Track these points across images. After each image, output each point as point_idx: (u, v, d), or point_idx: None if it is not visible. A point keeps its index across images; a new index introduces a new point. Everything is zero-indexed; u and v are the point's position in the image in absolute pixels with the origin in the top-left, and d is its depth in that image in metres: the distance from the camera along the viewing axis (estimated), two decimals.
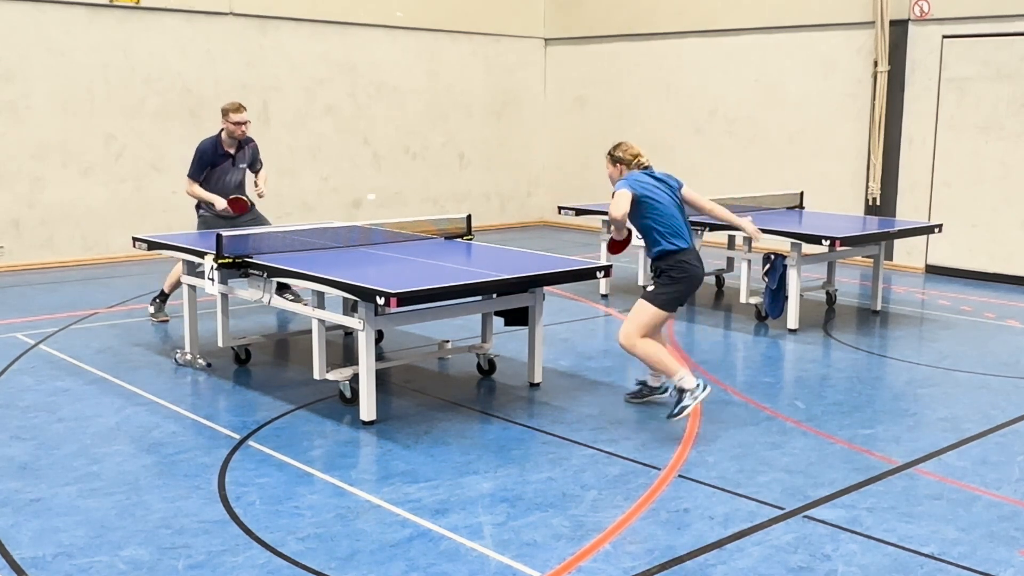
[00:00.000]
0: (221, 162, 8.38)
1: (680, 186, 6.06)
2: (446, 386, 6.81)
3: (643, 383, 6.34)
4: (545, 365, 6.92)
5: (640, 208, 5.79)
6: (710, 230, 8.83)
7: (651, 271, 5.95)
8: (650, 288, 5.86)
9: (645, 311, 5.78)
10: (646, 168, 5.99)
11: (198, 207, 8.53)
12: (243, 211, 8.44)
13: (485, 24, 15.05)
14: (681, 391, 5.65)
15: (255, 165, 8.74)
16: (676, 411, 5.64)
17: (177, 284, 8.15)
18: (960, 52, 11.22)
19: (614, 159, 6.00)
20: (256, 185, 8.64)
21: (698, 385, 5.62)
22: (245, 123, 8.34)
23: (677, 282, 5.79)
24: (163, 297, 8.68)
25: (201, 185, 8.35)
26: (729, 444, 5.58)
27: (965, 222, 11.27)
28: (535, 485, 4.95)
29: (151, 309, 8.71)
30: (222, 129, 8.37)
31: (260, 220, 8.73)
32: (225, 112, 8.34)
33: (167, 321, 8.64)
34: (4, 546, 4.24)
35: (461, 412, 6.15)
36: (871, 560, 4.17)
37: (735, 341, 8.28)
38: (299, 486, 4.93)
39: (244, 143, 8.53)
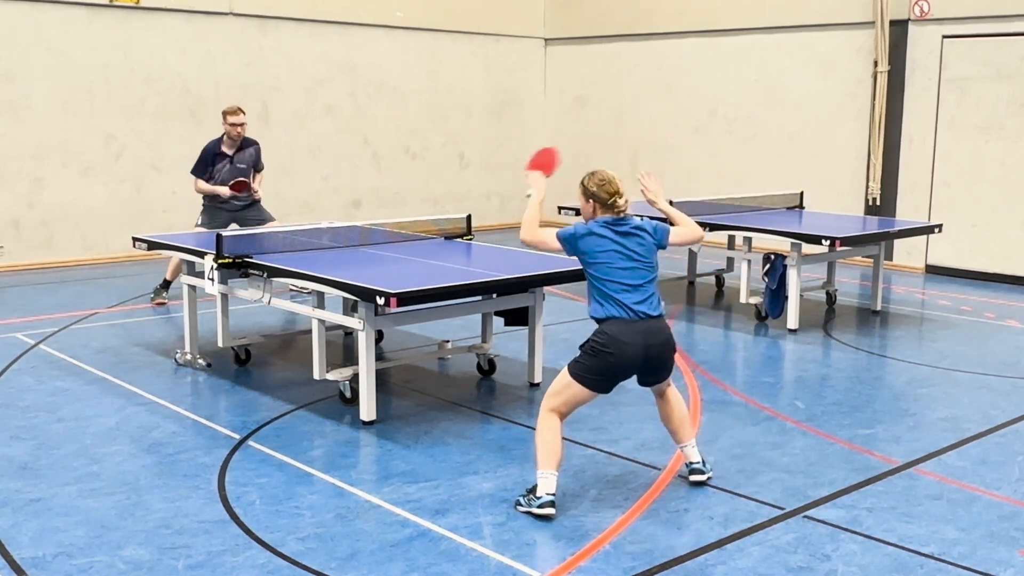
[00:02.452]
0: (219, 161, 8.88)
1: (661, 240, 4.89)
2: (446, 386, 6.80)
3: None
4: (545, 365, 6.91)
5: (581, 260, 4.74)
6: (710, 230, 8.83)
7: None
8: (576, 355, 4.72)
9: (561, 377, 4.69)
10: (620, 217, 4.77)
11: (204, 199, 9.05)
12: (243, 188, 8.86)
13: (485, 24, 15.05)
14: (531, 491, 4.62)
15: (257, 166, 9.15)
16: (516, 500, 4.68)
17: (179, 269, 8.45)
18: (960, 52, 11.22)
19: (587, 193, 4.83)
20: (253, 188, 9.07)
21: (544, 499, 4.50)
22: (241, 125, 8.87)
23: (597, 356, 4.58)
24: (165, 285, 9.19)
25: (211, 180, 8.93)
26: (729, 444, 5.58)
27: (965, 222, 11.27)
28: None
29: (152, 294, 9.28)
30: (225, 132, 8.92)
31: (264, 216, 9.14)
32: (224, 114, 8.90)
33: (164, 304, 9.09)
34: (4, 546, 4.24)
35: (461, 412, 6.15)
36: (871, 560, 4.17)
37: (735, 341, 8.28)
38: (299, 486, 4.93)
39: (245, 145, 8.98)
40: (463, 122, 15.03)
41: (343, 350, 7.66)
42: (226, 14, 12.36)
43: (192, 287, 7.22)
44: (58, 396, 6.41)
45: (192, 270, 7.19)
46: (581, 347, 4.66)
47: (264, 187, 9.36)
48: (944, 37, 11.34)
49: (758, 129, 13.23)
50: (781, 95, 13.01)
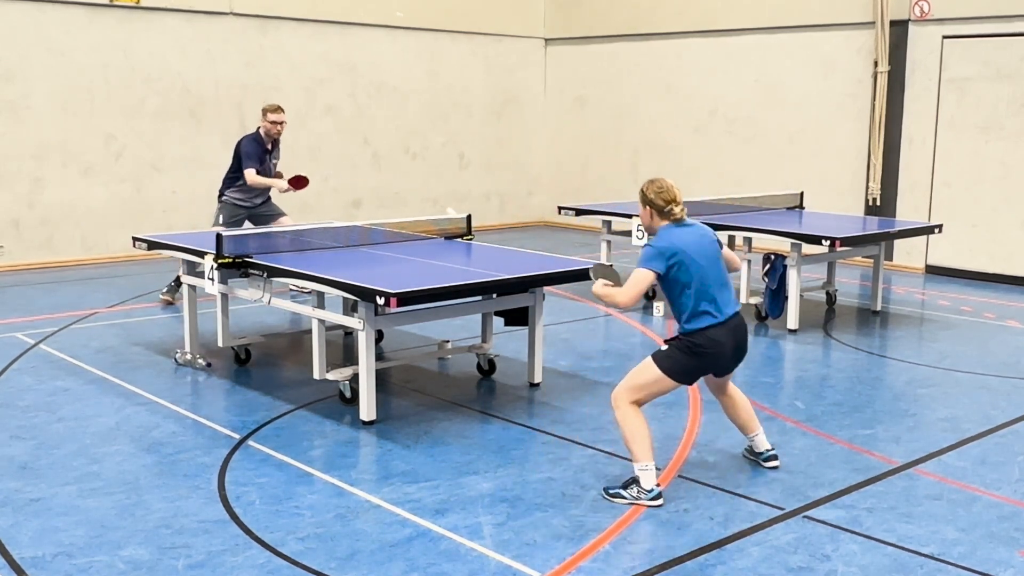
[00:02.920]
0: (265, 156, 8.93)
1: (720, 245, 5.01)
2: (446, 386, 6.81)
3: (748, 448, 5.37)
4: (545, 365, 6.92)
5: (670, 273, 4.79)
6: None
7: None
8: (662, 347, 4.90)
9: (647, 370, 4.85)
10: (679, 220, 4.87)
11: (221, 195, 9.07)
12: (303, 184, 8.89)
13: (485, 24, 15.05)
14: (634, 481, 4.77)
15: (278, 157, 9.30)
16: (612, 492, 4.79)
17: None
18: (960, 52, 11.22)
19: (644, 200, 4.88)
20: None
21: (652, 491, 4.71)
22: (282, 123, 8.90)
23: (695, 355, 4.81)
24: (178, 282, 9.06)
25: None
26: (729, 444, 5.58)
27: (965, 222, 11.27)
28: (535, 485, 4.95)
29: (164, 290, 9.32)
30: (259, 127, 8.93)
31: (276, 211, 9.26)
32: (264, 111, 8.91)
33: (171, 304, 9.13)
34: (4, 546, 4.24)
35: (461, 412, 6.15)
36: (871, 560, 4.17)
37: None
38: (299, 486, 4.93)
39: (276, 140, 9.07)
40: (463, 122, 15.03)
41: (343, 350, 7.66)
42: (226, 14, 12.36)
43: (192, 287, 7.22)
44: (58, 396, 6.41)
45: (192, 270, 7.19)
46: (672, 344, 4.84)
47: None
48: (944, 37, 11.33)
49: (758, 129, 13.23)
50: (781, 95, 13.01)
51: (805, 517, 4.61)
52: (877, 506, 4.74)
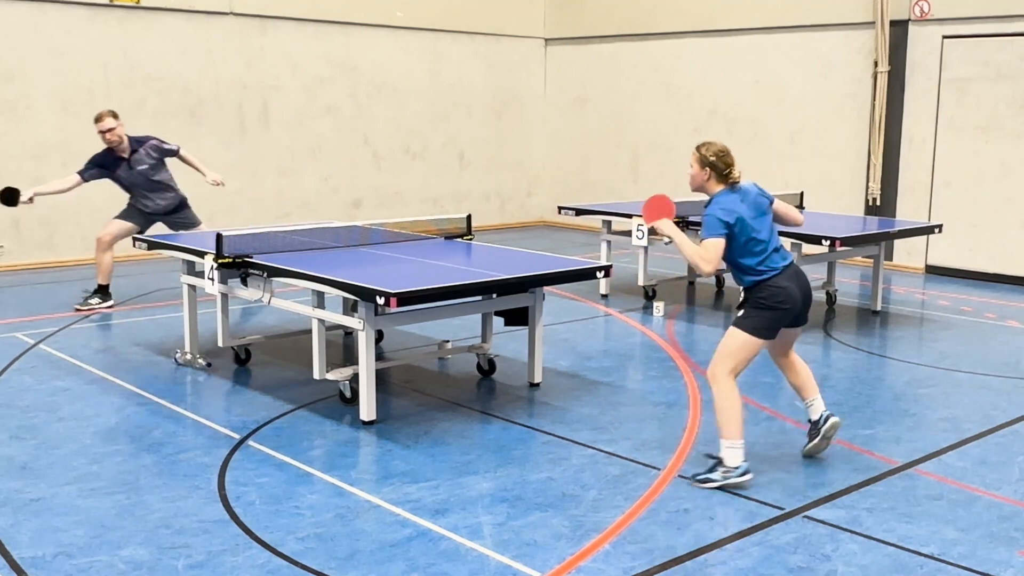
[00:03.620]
0: (117, 167, 8.98)
1: (770, 200, 5.20)
2: (446, 386, 6.80)
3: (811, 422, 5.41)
4: (545, 365, 6.92)
5: (729, 244, 4.95)
6: None
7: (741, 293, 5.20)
8: (739, 313, 5.06)
9: (734, 338, 4.97)
10: (736, 183, 5.05)
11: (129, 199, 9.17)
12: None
13: (485, 24, 15.05)
14: (719, 462, 4.94)
15: (166, 157, 9.22)
16: (701, 478, 4.96)
17: (110, 270, 9.03)
18: (960, 52, 11.22)
19: (704, 161, 5.01)
20: (205, 175, 9.23)
21: (739, 468, 4.88)
22: (109, 130, 8.84)
23: (769, 308, 4.95)
24: (100, 290, 9.15)
25: (120, 185, 9.07)
26: None
27: (965, 222, 11.27)
28: (535, 485, 4.95)
29: (89, 300, 9.11)
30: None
31: (191, 219, 9.32)
32: (94, 121, 8.92)
33: (92, 312, 8.97)
34: (4, 546, 4.24)
35: (461, 412, 6.15)
36: (871, 560, 4.17)
37: None
38: (299, 486, 4.93)
39: (139, 144, 9.07)
40: (463, 122, 15.03)
41: (343, 350, 7.66)
42: (226, 14, 12.36)
43: (192, 287, 7.22)
44: (58, 396, 6.41)
45: (192, 270, 7.19)
46: (746, 306, 4.99)
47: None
48: (944, 37, 11.33)
49: (758, 129, 13.23)
50: (781, 95, 13.01)
51: (805, 517, 4.61)
52: (877, 506, 4.74)
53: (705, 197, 5.13)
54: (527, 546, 4.27)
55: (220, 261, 6.40)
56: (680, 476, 5.08)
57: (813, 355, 7.79)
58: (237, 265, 6.43)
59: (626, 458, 5.35)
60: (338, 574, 4.02)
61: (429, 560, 4.13)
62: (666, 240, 5.33)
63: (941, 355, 7.74)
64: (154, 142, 9.17)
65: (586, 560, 4.15)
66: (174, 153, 9.25)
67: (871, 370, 7.34)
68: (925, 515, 4.64)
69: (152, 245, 7.55)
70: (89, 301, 9.04)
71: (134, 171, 9.03)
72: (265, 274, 6.31)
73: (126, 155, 9.00)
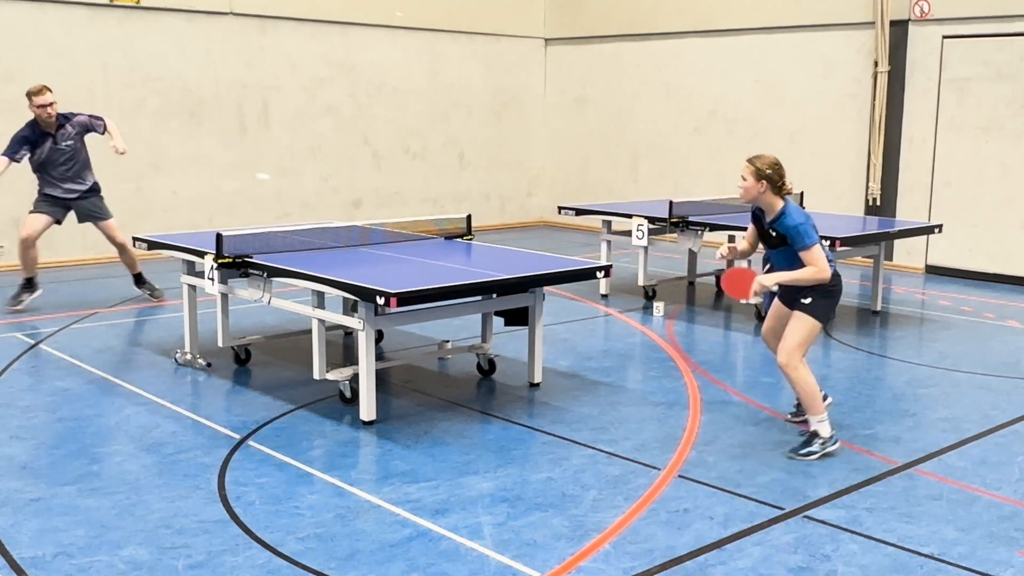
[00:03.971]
0: (43, 142, 8.73)
1: None
2: (446, 386, 6.80)
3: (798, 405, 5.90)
4: (545, 365, 6.92)
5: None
6: (710, 230, 8.84)
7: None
8: (805, 301, 5.38)
9: (804, 324, 5.35)
10: (789, 193, 5.53)
11: (39, 187, 8.98)
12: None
13: (485, 24, 15.05)
14: (814, 435, 5.35)
15: (90, 132, 8.96)
16: (802, 453, 5.31)
17: (33, 261, 8.87)
18: (960, 52, 11.22)
19: (760, 174, 5.34)
20: (115, 148, 8.89)
21: (832, 437, 5.34)
22: (50, 104, 8.59)
23: (831, 295, 5.44)
24: (27, 284, 9.02)
25: (33, 163, 8.80)
26: (729, 444, 5.58)
27: (965, 222, 11.27)
28: (535, 485, 4.95)
29: (14, 299, 8.99)
30: (35, 116, 8.71)
31: (102, 211, 9.12)
32: (29, 95, 8.63)
33: (22, 309, 8.88)
34: (4, 546, 4.24)
35: (461, 412, 6.15)
36: (871, 560, 4.17)
37: (735, 341, 8.28)
38: (299, 486, 4.93)
39: (66, 120, 8.82)
40: (463, 122, 15.03)
41: (343, 350, 7.66)
42: (226, 14, 12.36)
43: (192, 287, 7.21)
44: (58, 396, 6.41)
45: (192, 270, 7.19)
46: (814, 296, 5.35)
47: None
48: (944, 37, 11.33)
49: (758, 129, 13.23)
50: (781, 95, 13.01)
51: (805, 517, 4.61)
52: (877, 506, 4.74)
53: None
54: (527, 546, 4.27)
55: (220, 261, 6.40)
56: (680, 476, 5.08)
57: (813, 355, 7.78)
58: (237, 265, 6.43)
59: (626, 458, 5.35)
60: (338, 574, 4.02)
61: (429, 560, 4.13)
62: (773, 289, 5.57)
63: (941, 355, 7.74)
64: (81, 118, 8.91)
65: (586, 560, 4.15)
66: (103, 128, 8.97)
67: (871, 370, 7.34)
68: (925, 515, 4.64)
69: (152, 245, 7.55)
70: (21, 298, 8.94)
71: (59, 146, 8.75)
72: (265, 274, 6.31)
73: (52, 130, 8.73)
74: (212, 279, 6.54)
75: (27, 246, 8.95)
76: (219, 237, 6.46)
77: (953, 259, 11.47)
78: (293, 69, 13.04)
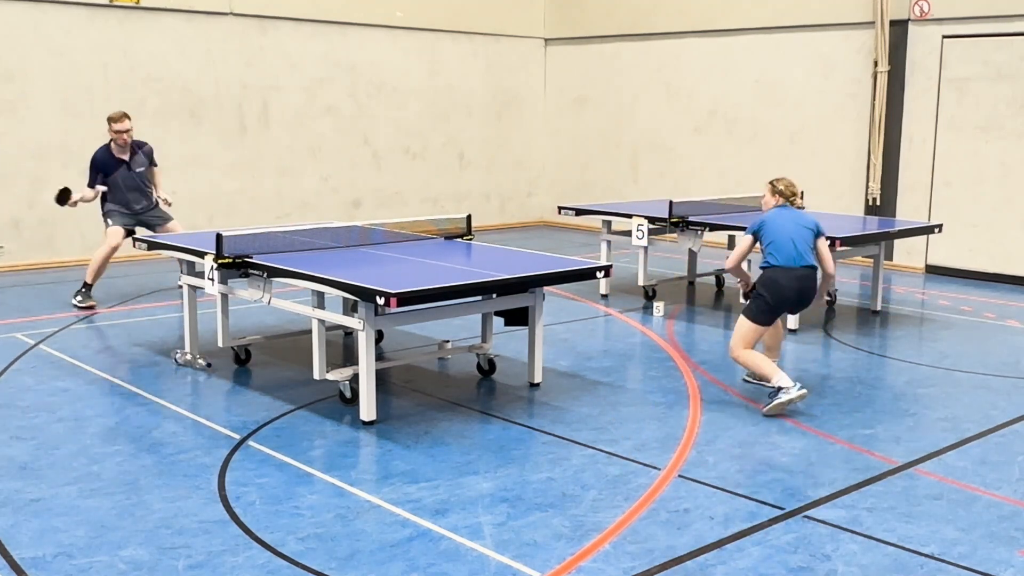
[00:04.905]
0: (117, 167, 9.13)
1: (817, 231, 6.37)
2: (446, 386, 6.80)
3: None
4: (545, 365, 6.92)
5: (760, 237, 6.38)
6: (710, 230, 8.84)
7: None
8: (743, 302, 6.47)
9: (740, 324, 6.29)
10: (796, 206, 6.44)
11: (103, 202, 9.27)
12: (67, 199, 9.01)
13: (485, 24, 15.05)
14: (779, 389, 6.09)
15: (151, 163, 9.42)
16: (769, 408, 6.09)
17: (100, 271, 9.12)
18: (960, 52, 11.22)
19: (775, 191, 6.44)
20: (160, 196, 9.33)
21: (795, 384, 6.07)
22: (127, 131, 9.03)
23: (759, 298, 6.25)
24: (87, 287, 9.18)
25: (105, 187, 9.18)
26: (729, 444, 5.58)
27: (965, 222, 11.27)
28: (535, 485, 4.95)
29: (79, 299, 9.14)
30: (112, 139, 9.07)
31: (164, 217, 9.45)
32: (109, 121, 9.06)
33: (93, 308, 9.04)
34: (4, 546, 4.24)
35: (461, 412, 6.15)
36: (871, 560, 4.17)
37: None
38: (299, 486, 4.93)
39: (138, 147, 9.26)
40: (463, 122, 15.03)
41: (343, 350, 7.66)
42: (226, 14, 12.36)
43: (192, 287, 7.21)
44: (58, 396, 6.41)
45: (192, 270, 7.19)
46: (750, 298, 6.35)
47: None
48: (944, 37, 11.34)
49: (758, 129, 13.23)
50: (781, 95, 13.01)
51: (805, 517, 4.61)
52: (877, 506, 4.74)
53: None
54: (527, 546, 4.27)
55: (220, 261, 6.40)
56: (680, 476, 5.08)
57: (813, 355, 7.79)
58: (237, 265, 6.43)
59: (626, 458, 5.35)
60: (338, 574, 4.02)
61: (429, 560, 4.13)
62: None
63: (941, 355, 7.74)
64: (148, 148, 9.40)
65: (586, 560, 4.15)
66: (154, 165, 9.49)
67: (871, 370, 7.34)
68: (925, 515, 4.65)
69: (152, 245, 7.55)
70: (91, 297, 9.15)
71: (132, 172, 9.19)
72: (265, 274, 6.31)
73: (126, 157, 9.16)
74: (212, 279, 6.54)
75: (110, 257, 9.21)
76: (219, 237, 6.46)
77: (953, 259, 11.47)
78: (293, 69, 13.05)
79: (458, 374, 7.09)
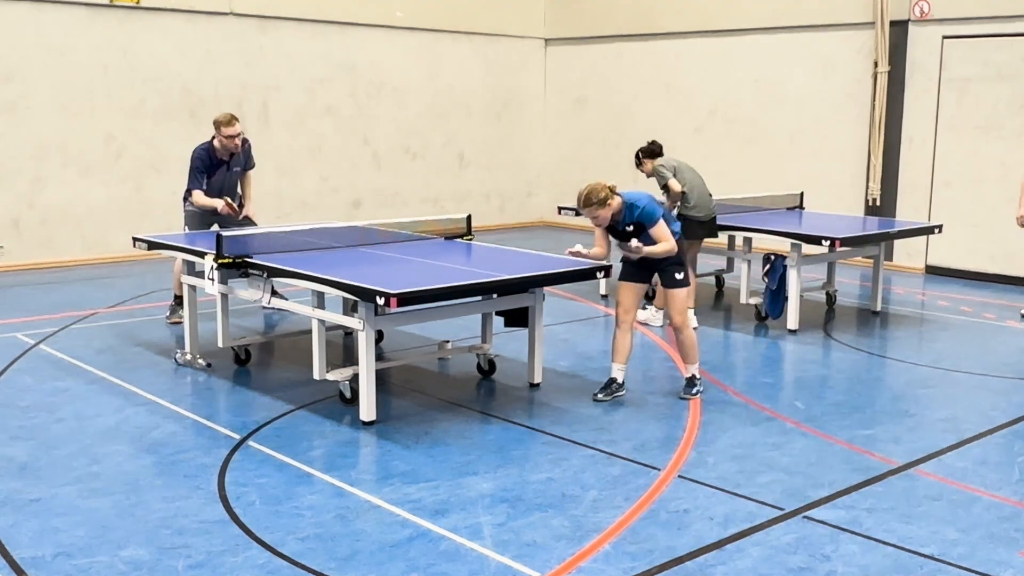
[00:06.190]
0: (217, 169, 8.26)
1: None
2: (446, 386, 6.81)
3: (613, 380, 6.45)
4: (545, 365, 6.92)
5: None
6: None
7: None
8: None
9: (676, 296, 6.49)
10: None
11: (185, 198, 8.46)
12: (234, 213, 8.25)
13: (485, 24, 15.05)
14: (694, 378, 6.47)
15: (248, 164, 8.59)
16: (692, 393, 6.42)
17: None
18: (960, 53, 11.22)
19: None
20: (247, 213, 8.48)
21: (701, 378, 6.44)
22: (238, 135, 8.14)
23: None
24: (178, 301, 8.44)
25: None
26: (729, 444, 5.58)
27: (965, 222, 11.27)
28: (535, 485, 4.95)
29: (168, 312, 8.65)
30: (214, 137, 8.20)
31: (249, 222, 8.68)
32: (217, 125, 8.16)
33: (180, 323, 8.35)
34: (4, 546, 4.24)
35: (461, 412, 6.16)
36: (871, 561, 4.17)
37: (735, 341, 8.28)
38: (299, 486, 4.93)
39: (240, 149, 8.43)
40: (463, 122, 15.03)
41: (343, 350, 7.66)
42: (226, 14, 12.36)
43: (192, 287, 7.22)
44: (58, 396, 6.41)
45: (192, 270, 7.19)
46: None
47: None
48: (944, 38, 11.33)
49: (758, 129, 13.23)
50: (781, 95, 13.01)
51: (805, 517, 4.61)
52: (877, 506, 4.74)
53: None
54: (527, 546, 4.27)
55: (220, 261, 6.40)
56: (680, 476, 5.08)
57: (813, 356, 7.80)
58: (237, 265, 6.43)
59: (626, 458, 5.35)
60: (338, 574, 4.02)
61: (429, 560, 4.13)
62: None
63: (941, 355, 7.74)
64: (249, 145, 8.53)
65: (586, 560, 4.15)
66: (249, 168, 8.63)
67: (871, 370, 7.34)
68: (925, 515, 4.65)
69: (152, 245, 7.55)
70: (180, 313, 8.28)
71: (231, 172, 8.38)
72: (265, 274, 6.31)
73: (227, 159, 8.29)
74: (212, 279, 6.54)
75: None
76: (219, 237, 6.46)
77: (953, 259, 11.47)
78: (293, 69, 13.04)
79: (458, 374, 7.09)
